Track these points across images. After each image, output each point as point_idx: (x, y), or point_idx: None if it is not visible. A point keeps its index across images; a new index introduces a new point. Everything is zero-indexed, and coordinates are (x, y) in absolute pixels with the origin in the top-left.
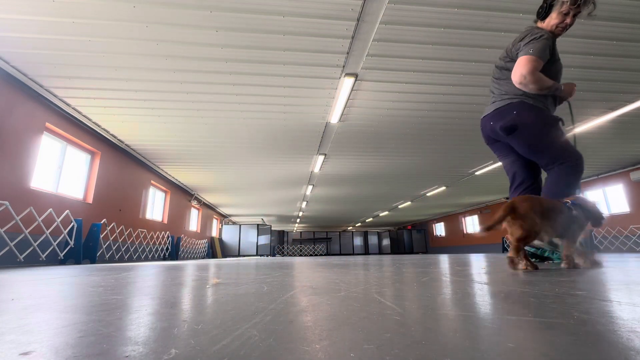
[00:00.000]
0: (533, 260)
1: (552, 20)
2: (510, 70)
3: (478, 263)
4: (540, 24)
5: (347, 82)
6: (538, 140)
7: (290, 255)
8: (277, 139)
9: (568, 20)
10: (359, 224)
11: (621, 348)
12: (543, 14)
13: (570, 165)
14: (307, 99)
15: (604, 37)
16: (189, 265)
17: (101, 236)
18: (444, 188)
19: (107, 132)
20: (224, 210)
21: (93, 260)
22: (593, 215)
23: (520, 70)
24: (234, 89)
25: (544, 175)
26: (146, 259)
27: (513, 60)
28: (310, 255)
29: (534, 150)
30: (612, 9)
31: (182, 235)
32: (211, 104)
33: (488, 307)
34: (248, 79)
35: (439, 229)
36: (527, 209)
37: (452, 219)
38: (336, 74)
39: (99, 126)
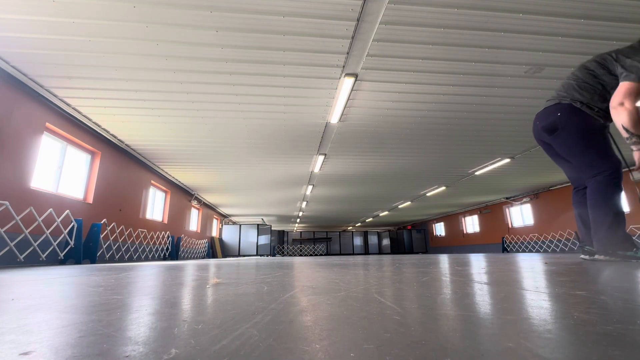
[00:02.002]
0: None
1: None
2: (588, 69)
3: (478, 263)
4: None
5: (347, 82)
6: (576, 144)
7: (290, 255)
8: (277, 139)
9: None
10: (359, 224)
11: (622, 347)
12: None
13: (607, 176)
14: (307, 99)
15: (604, 37)
16: (189, 265)
17: (101, 236)
18: (444, 188)
19: (107, 132)
20: (224, 210)
21: (93, 260)
22: None
23: (618, 99)
24: (234, 89)
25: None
26: (146, 259)
27: (600, 65)
28: (310, 255)
29: (572, 154)
30: (612, 9)
31: (182, 235)
32: (211, 104)
33: (488, 307)
34: (248, 79)
35: (439, 229)
36: None
37: (452, 219)
38: (336, 74)
39: (99, 126)
